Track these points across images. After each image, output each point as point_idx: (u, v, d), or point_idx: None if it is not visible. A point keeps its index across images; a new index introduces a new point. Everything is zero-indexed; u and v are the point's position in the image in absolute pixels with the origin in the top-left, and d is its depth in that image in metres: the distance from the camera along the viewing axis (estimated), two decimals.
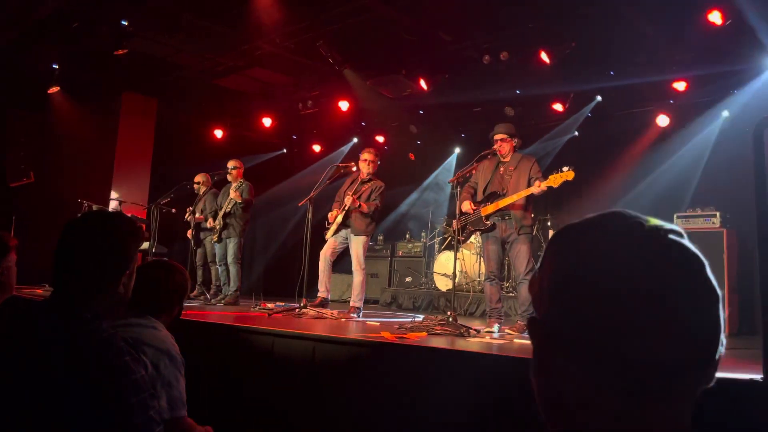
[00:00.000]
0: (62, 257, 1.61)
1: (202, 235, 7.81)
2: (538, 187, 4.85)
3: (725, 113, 7.49)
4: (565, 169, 4.75)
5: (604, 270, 0.70)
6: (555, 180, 4.77)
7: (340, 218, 6.23)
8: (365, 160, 6.34)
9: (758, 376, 2.35)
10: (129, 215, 6.52)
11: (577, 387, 0.70)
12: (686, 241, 0.72)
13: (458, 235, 5.28)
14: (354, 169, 6.45)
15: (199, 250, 7.89)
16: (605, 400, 0.69)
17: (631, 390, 0.68)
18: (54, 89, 8.39)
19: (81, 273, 1.59)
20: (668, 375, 0.68)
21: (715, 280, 0.71)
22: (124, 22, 7.16)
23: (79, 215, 1.66)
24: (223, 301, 7.22)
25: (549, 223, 8.28)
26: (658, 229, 0.73)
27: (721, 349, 0.71)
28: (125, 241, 1.64)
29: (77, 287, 1.59)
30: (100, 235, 1.61)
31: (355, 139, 10.62)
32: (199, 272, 7.94)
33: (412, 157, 10.46)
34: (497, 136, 5.25)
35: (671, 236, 0.72)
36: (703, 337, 0.69)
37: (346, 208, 6.18)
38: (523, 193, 4.97)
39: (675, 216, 6.95)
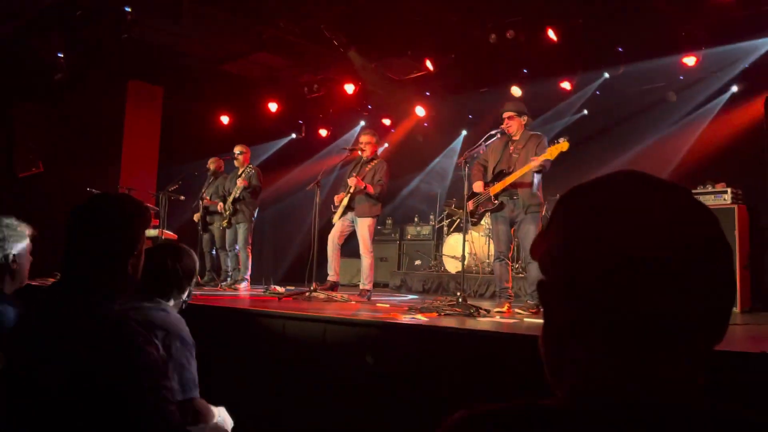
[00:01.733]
0: (70, 241, 1.61)
1: (208, 219, 7.85)
2: (535, 162, 4.83)
3: (734, 88, 7.40)
4: (560, 140, 4.74)
5: (617, 227, 0.68)
6: (551, 152, 4.75)
7: (345, 201, 6.22)
8: (362, 143, 6.34)
9: None
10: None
11: (587, 344, 0.70)
12: (694, 197, 0.72)
13: (471, 216, 5.26)
14: (359, 152, 6.44)
15: (206, 236, 7.94)
16: (617, 360, 0.68)
17: (645, 348, 0.67)
18: (59, 76, 8.39)
19: (89, 255, 1.60)
20: (683, 331, 0.67)
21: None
22: (127, 9, 7.13)
23: (86, 199, 1.66)
24: (233, 286, 7.26)
25: (584, 183, 8.22)
26: (669, 185, 0.72)
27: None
28: (132, 222, 1.64)
29: (86, 270, 1.59)
30: (106, 217, 1.61)
31: (363, 123, 10.57)
32: (208, 258, 7.99)
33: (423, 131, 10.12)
34: (506, 114, 5.20)
35: (683, 193, 0.71)
36: (718, 292, 0.69)
37: (351, 190, 6.17)
38: (525, 169, 4.93)
39: None
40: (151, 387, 1.55)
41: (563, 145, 4.71)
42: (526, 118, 5.22)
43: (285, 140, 11.06)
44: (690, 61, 6.92)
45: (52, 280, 6.55)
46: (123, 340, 1.54)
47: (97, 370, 1.49)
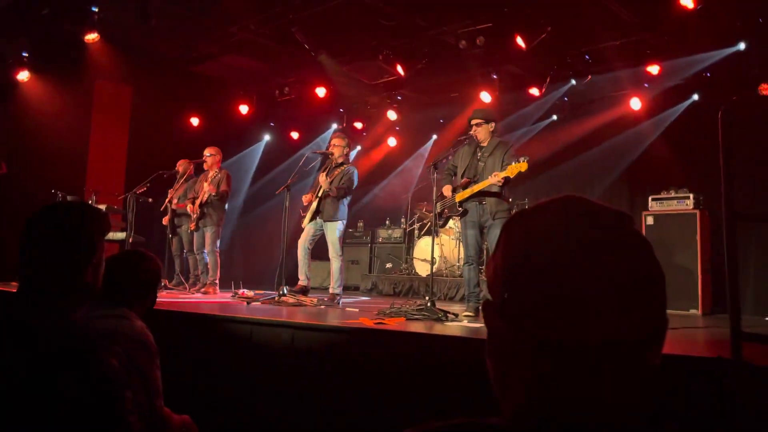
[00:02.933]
0: (26, 249, 1.59)
1: (177, 221, 7.76)
2: (495, 177, 4.89)
3: (695, 96, 7.60)
4: (521, 159, 4.80)
5: (555, 252, 0.71)
6: (512, 170, 4.81)
7: (314, 205, 6.22)
8: (333, 145, 6.36)
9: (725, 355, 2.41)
10: (97, 206, 6.43)
11: (530, 366, 0.72)
12: (633, 224, 0.74)
13: (437, 219, 5.31)
14: (329, 155, 6.45)
15: (175, 239, 7.84)
16: (557, 379, 0.70)
17: (583, 368, 0.69)
18: (24, 75, 8.21)
19: (45, 264, 1.57)
20: (619, 352, 0.69)
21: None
22: (95, 9, 7.02)
23: (41, 207, 1.64)
24: (201, 291, 7.18)
25: (527, 208, 8.34)
26: (607, 212, 0.75)
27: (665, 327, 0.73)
28: (88, 230, 1.62)
29: (43, 279, 1.57)
30: (62, 225, 1.59)
31: (335, 125, 10.57)
32: (177, 261, 7.89)
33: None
34: (473, 121, 5.27)
35: (622, 219, 0.74)
36: (652, 316, 0.72)
37: (320, 193, 6.17)
38: (486, 183, 5.00)
39: (650, 198, 7.05)
40: (111, 397, 1.53)
41: (522, 165, 4.78)
42: (493, 124, 5.28)
43: (261, 144, 11.01)
44: (653, 69, 7.08)
45: (15, 283, 6.40)
46: (81, 350, 1.52)
47: (54, 381, 1.47)
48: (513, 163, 4.83)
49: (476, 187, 5.09)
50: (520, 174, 4.86)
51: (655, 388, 0.73)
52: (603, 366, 0.69)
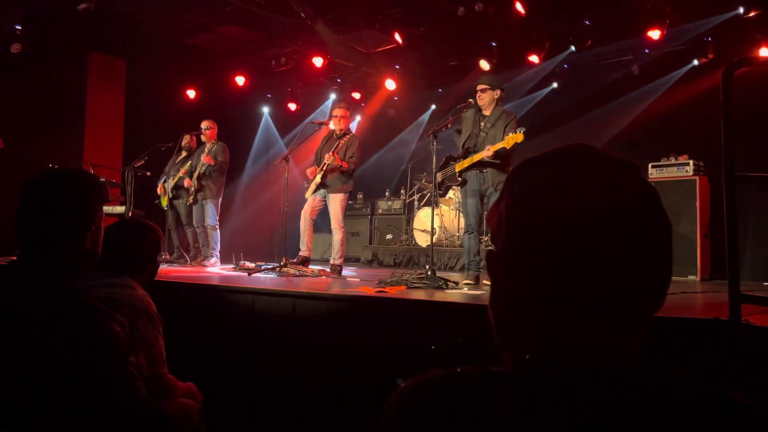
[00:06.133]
0: (23, 216, 1.58)
1: (174, 194, 7.75)
2: (488, 151, 4.87)
3: (695, 61, 7.52)
4: (518, 130, 4.77)
5: (563, 200, 0.70)
6: (508, 141, 4.78)
7: (318, 177, 6.18)
8: (336, 116, 6.29)
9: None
10: (97, 175, 6.39)
11: (531, 316, 0.72)
12: (640, 174, 0.73)
13: (437, 189, 5.30)
14: (330, 125, 6.39)
15: (171, 212, 7.83)
16: (559, 328, 0.70)
17: (585, 318, 0.69)
18: (16, 48, 8.11)
19: (43, 230, 1.57)
20: (623, 301, 0.69)
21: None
22: None
23: (39, 173, 1.63)
24: (203, 263, 7.21)
25: (532, 157, 8.31)
26: (615, 161, 0.73)
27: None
28: (86, 196, 1.61)
29: (41, 245, 1.57)
30: (59, 191, 1.58)
31: (333, 96, 10.48)
32: (175, 234, 7.89)
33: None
34: (479, 87, 5.19)
35: (629, 168, 0.73)
36: (658, 266, 0.71)
37: (326, 167, 6.12)
38: (479, 156, 4.97)
39: (649, 165, 7.02)
40: (115, 362, 1.54)
41: (518, 136, 4.74)
42: (499, 92, 5.19)
43: (261, 116, 10.96)
44: (655, 34, 6.99)
45: (15, 258, 6.41)
46: (83, 316, 1.52)
47: (58, 346, 1.48)
48: (510, 134, 4.80)
49: (476, 157, 5.06)
50: (517, 145, 4.81)
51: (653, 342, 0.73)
52: (604, 316, 0.69)
